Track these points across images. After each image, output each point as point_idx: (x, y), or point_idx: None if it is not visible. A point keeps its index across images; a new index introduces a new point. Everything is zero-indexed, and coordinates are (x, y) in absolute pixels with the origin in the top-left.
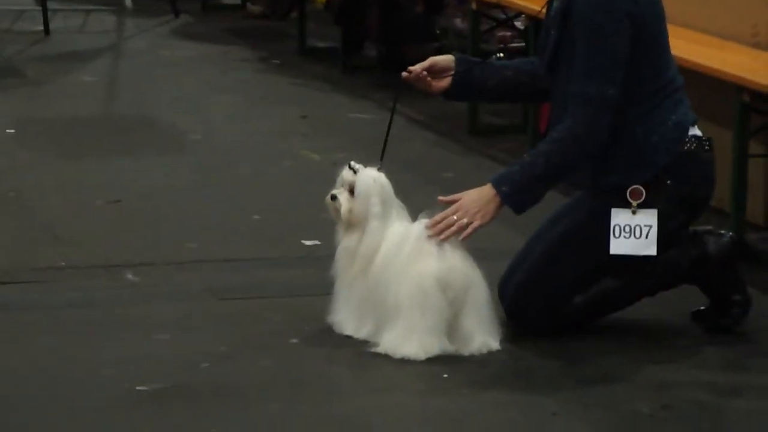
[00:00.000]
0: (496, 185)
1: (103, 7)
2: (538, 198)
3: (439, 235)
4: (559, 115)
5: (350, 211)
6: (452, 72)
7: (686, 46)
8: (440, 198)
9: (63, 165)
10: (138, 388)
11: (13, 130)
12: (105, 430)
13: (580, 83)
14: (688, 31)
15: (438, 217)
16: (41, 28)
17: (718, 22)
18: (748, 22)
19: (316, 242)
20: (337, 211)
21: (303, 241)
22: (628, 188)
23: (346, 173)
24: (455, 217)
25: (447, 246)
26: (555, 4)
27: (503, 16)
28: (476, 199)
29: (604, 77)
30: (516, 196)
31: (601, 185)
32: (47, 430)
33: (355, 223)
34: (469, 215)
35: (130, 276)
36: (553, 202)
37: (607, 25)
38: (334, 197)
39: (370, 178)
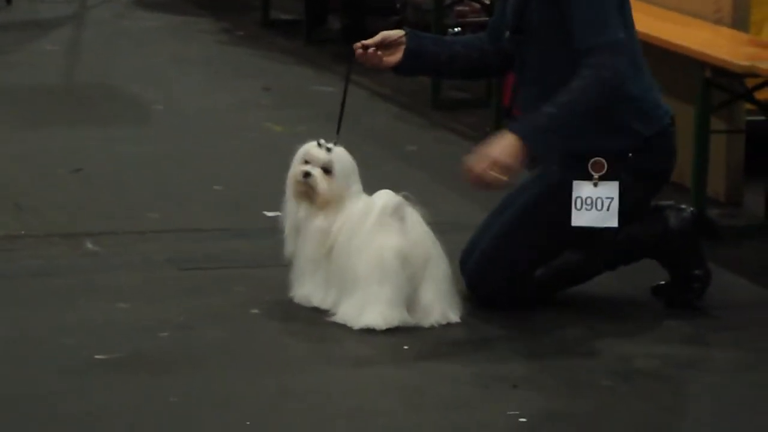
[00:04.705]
0: (523, 137)
1: None
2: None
3: (480, 187)
4: (524, 80)
5: (328, 190)
6: (403, 46)
7: (649, 21)
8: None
9: (24, 134)
10: (97, 356)
11: None
12: (63, 398)
13: (591, 36)
14: (650, 6)
15: (473, 167)
16: None
17: None
18: None
19: (278, 213)
20: (312, 189)
21: (265, 212)
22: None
23: (316, 151)
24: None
25: (409, 220)
26: None
27: None
28: (505, 153)
29: (612, 23)
30: (541, 147)
31: (572, 150)
32: (7, 398)
33: (331, 203)
34: (500, 169)
35: (90, 245)
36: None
37: None
38: (308, 174)
39: (348, 158)
